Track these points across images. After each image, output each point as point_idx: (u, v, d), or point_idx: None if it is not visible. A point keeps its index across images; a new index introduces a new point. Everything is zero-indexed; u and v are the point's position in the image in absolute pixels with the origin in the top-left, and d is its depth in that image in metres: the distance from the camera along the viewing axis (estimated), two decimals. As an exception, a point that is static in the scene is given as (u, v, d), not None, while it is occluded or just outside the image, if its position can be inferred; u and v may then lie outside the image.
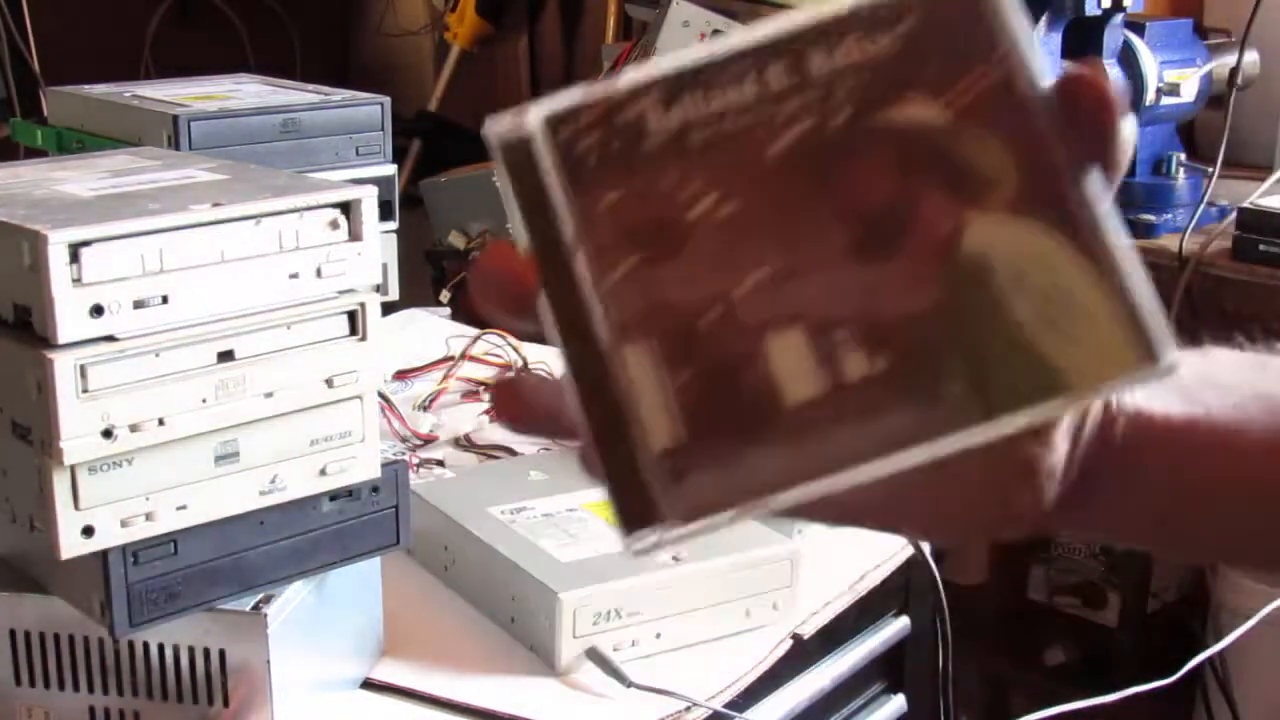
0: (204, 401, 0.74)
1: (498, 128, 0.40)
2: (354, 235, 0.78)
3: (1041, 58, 0.39)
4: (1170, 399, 0.45)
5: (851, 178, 0.38)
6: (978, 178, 0.38)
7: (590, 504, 1.05)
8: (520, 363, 1.44)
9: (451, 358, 1.43)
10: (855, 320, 0.38)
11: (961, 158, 0.38)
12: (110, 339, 0.71)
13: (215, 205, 0.74)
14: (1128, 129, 0.40)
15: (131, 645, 0.81)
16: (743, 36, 0.39)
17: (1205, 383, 0.46)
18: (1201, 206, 1.74)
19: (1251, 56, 1.81)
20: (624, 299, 0.38)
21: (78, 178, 0.81)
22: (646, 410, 0.38)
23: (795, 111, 0.38)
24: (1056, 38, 1.68)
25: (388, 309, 0.88)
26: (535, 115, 0.39)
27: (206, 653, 0.81)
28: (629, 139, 0.39)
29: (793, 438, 0.38)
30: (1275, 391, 0.46)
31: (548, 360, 1.43)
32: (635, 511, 0.38)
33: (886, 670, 1.15)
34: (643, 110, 0.39)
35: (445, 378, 1.41)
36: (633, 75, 0.39)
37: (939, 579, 1.14)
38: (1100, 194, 0.39)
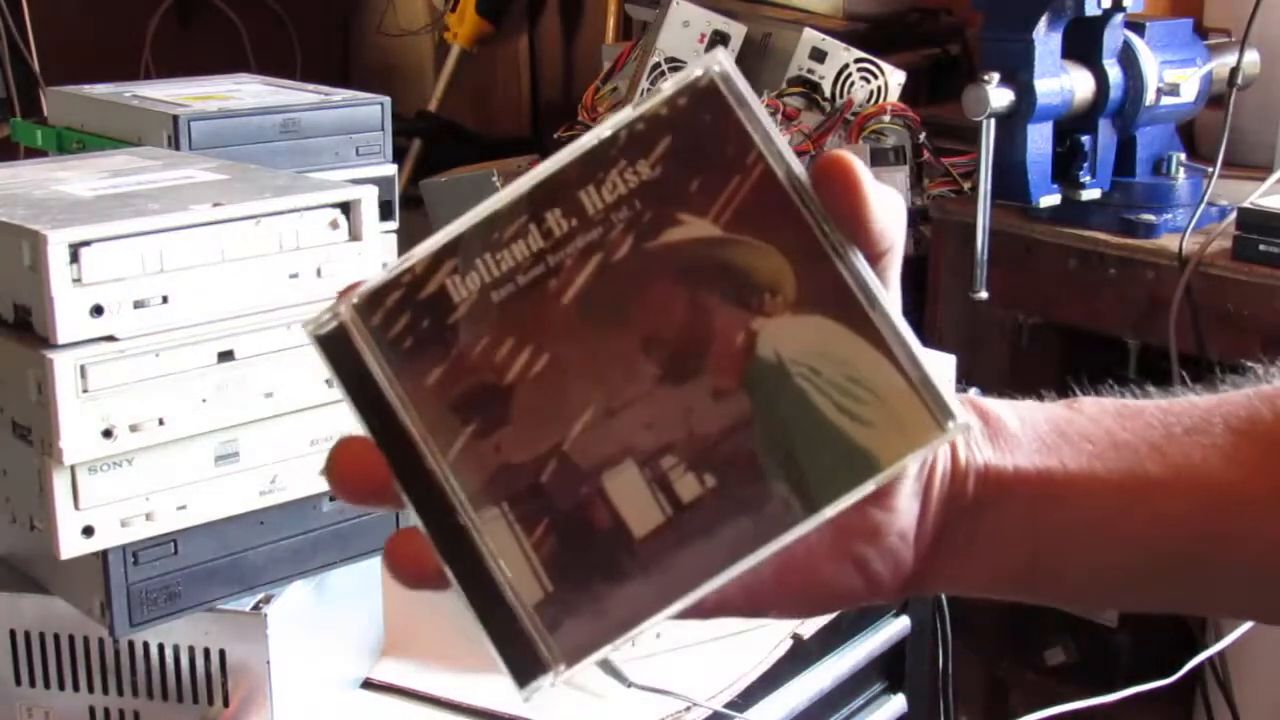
0: (204, 401, 0.74)
1: (312, 326, 0.41)
2: (354, 235, 0.78)
3: (790, 151, 0.41)
4: (1023, 452, 0.47)
5: (644, 308, 0.40)
6: (758, 285, 0.40)
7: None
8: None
9: (451, 358, 1.43)
10: (678, 444, 0.41)
11: (740, 268, 0.40)
12: (110, 339, 0.71)
13: (215, 205, 0.74)
14: (881, 204, 0.41)
15: (131, 645, 0.81)
16: (514, 187, 0.41)
17: (1063, 435, 0.48)
18: (1201, 206, 1.74)
19: (1251, 56, 1.81)
20: (467, 471, 0.41)
21: (78, 178, 0.81)
22: (512, 570, 0.40)
23: (580, 253, 0.40)
24: (1057, 38, 1.68)
25: (388, 309, 0.88)
26: (345, 307, 0.41)
27: (206, 653, 0.81)
28: (436, 314, 0.41)
29: (648, 567, 0.41)
30: (1132, 440, 0.48)
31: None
32: (523, 664, 0.41)
33: (886, 670, 1.15)
34: (442, 282, 0.40)
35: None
36: (425, 246, 0.41)
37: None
38: (866, 272, 0.41)
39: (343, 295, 0.41)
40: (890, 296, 0.41)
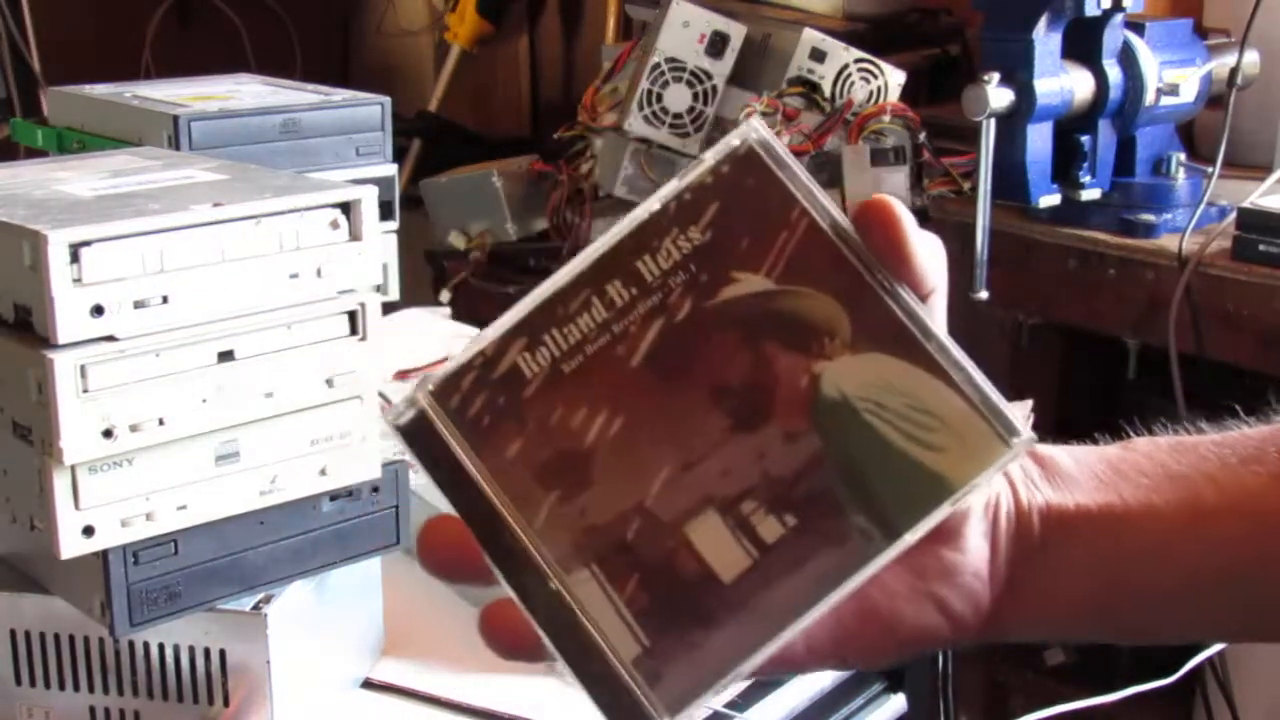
0: (204, 401, 0.74)
1: (391, 417, 0.43)
2: (354, 235, 0.78)
3: (831, 202, 0.43)
4: (1083, 489, 0.49)
5: (709, 363, 0.43)
6: (816, 329, 0.43)
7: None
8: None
9: (451, 358, 1.43)
10: (756, 488, 0.42)
11: (796, 316, 0.43)
12: (110, 339, 0.71)
13: (215, 205, 0.74)
14: (923, 244, 0.44)
15: (131, 645, 0.81)
16: (573, 265, 0.43)
17: (1119, 471, 0.49)
18: (1201, 206, 1.74)
19: (1251, 56, 1.81)
20: (555, 537, 0.42)
21: (78, 178, 0.81)
22: (608, 628, 0.42)
23: (642, 318, 0.43)
24: (1056, 38, 1.68)
25: (388, 309, 0.88)
26: (421, 394, 0.43)
27: (206, 653, 0.81)
28: (510, 390, 0.43)
29: (740, 610, 0.42)
30: (1187, 472, 0.49)
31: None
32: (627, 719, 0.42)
33: (886, 670, 1.15)
34: (514, 360, 0.43)
35: (445, 378, 1.40)
36: (493, 329, 0.43)
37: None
38: (916, 306, 0.43)
39: (418, 385, 0.43)
40: (941, 327, 0.43)
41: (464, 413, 0.43)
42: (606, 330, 0.43)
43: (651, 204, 0.43)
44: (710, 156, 0.43)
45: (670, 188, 0.43)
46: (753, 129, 0.44)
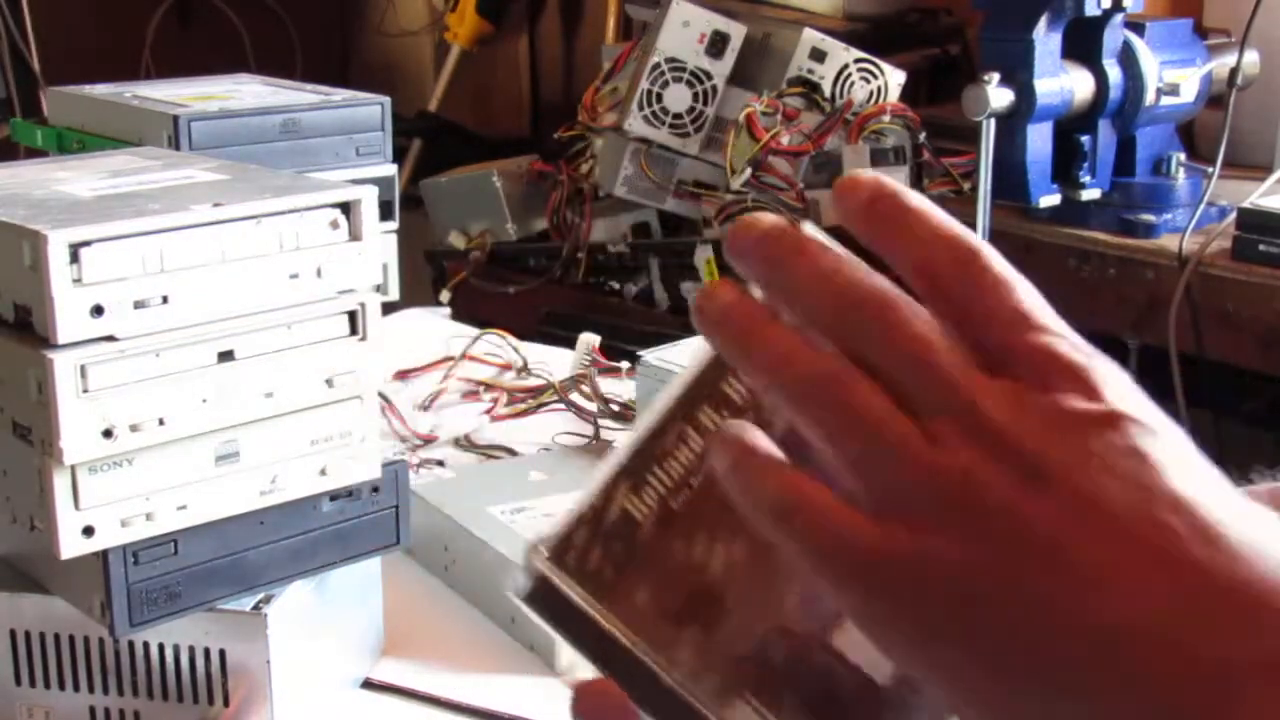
0: (204, 401, 0.74)
1: (514, 591, 0.42)
2: (354, 235, 0.78)
3: None
4: None
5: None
6: None
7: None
8: (520, 363, 1.44)
9: (451, 358, 1.43)
10: None
11: None
12: (110, 339, 0.71)
13: (215, 205, 0.74)
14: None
15: (131, 645, 0.81)
16: (660, 402, 0.43)
17: None
18: (1201, 206, 1.74)
19: (1251, 56, 1.81)
20: (702, 675, 0.41)
21: (78, 178, 0.81)
22: None
23: None
24: (1056, 38, 1.68)
25: (388, 309, 0.88)
26: (538, 560, 0.42)
27: (206, 653, 0.81)
28: (625, 537, 0.42)
29: (901, 709, 0.41)
30: None
31: (547, 361, 1.43)
32: None
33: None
34: (622, 507, 0.42)
35: (445, 378, 1.41)
36: (595, 481, 0.42)
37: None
38: None
39: (531, 551, 0.42)
40: None
41: (584, 568, 0.42)
42: (705, 458, 0.42)
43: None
44: None
45: None
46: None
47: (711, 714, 0.41)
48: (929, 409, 0.37)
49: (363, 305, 0.79)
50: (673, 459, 0.42)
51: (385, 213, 1.00)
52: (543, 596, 0.42)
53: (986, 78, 1.64)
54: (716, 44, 2.30)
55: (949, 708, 0.39)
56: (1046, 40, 1.67)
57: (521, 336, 1.47)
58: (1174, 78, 1.76)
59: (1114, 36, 1.73)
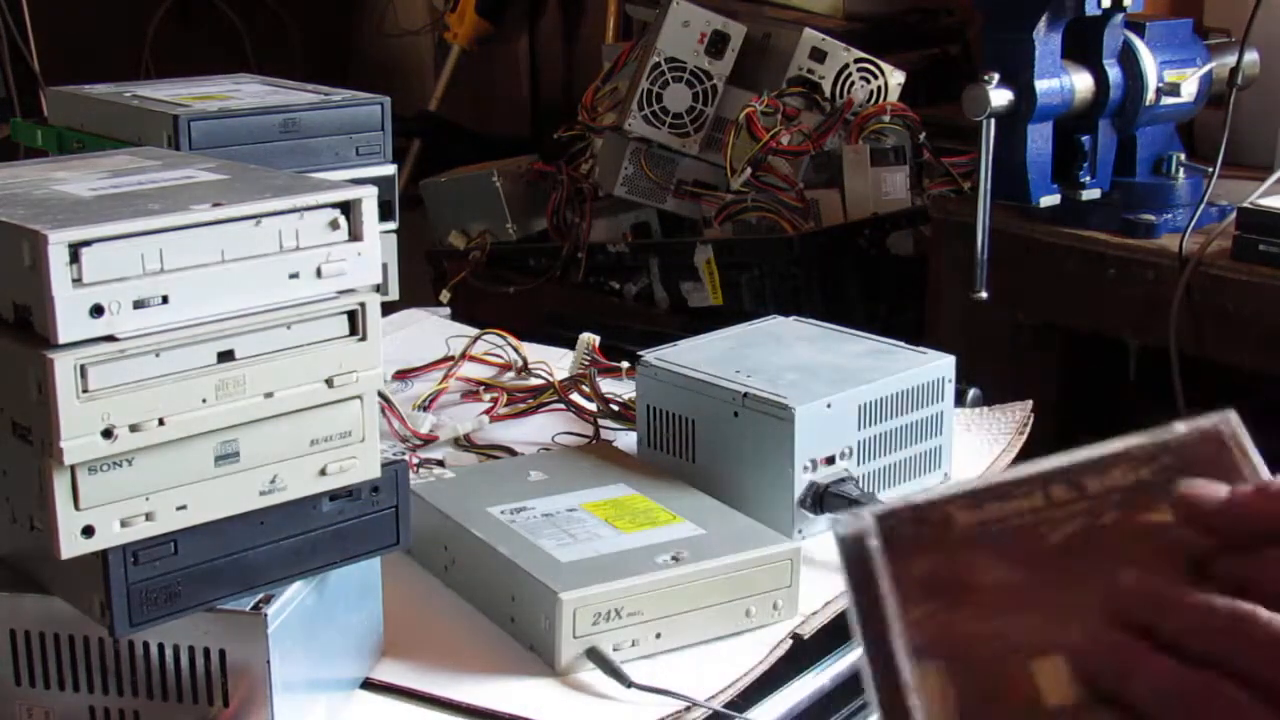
0: (204, 401, 0.74)
1: (840, 529, 0.49)
2: (354, 235, 0.78)
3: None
4: None
5: (1111, 562, 0.48)
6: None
7: (590, 504, 1.05)
8: (520, 363, 1.44)
9: (451, 358, 1.43)
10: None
11: (1191, 553, 0.49)
12: (110, 339, 0.71)
13: (215, 205, 0.74)
14: None
15: (131, 645, 0.81)
16: (1032, 467, 0.50)
17: None
18: (1201, 206, 1.74)
19: (1251, 56, 1.81)
20: (921, 631, 0.48)
21: (78, 178, 0.81)
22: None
23: (1072, 514, 0.50)
24: (1056, 38, 1.68)
25: (388, 309, 0.88)
26: (869, 514, 0.49)
27: (206, 653, 0.81)
28: (937, 528, 0.49)
29: None
30: None
31: (546, 361, 1.43)
32: None
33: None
34: (950, 511, 0.50)
35: (445, 378, 1.41)
36: (948, 487, 0.50)
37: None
38: None
39: (868, 511, 0.49)
40: None
41: (894, 531, 0.48)
42: (1037, 514, 0.49)
43: (1115, 446, 0.50)
44: (1181, 426, 0.51)
45: (1139, 439, 0.51)
46: (1226, 421, 0.51)
47: (903, 662, 0.47)
48: None
49: (363, 305, 0.79)
50: (1013, 502, 0.49)
51: (385, 213, 1.00)
52: (854, 544, 0.48)
53: (986, 78, 1.63)
54: (716, 44, 2.30)
55: None
56: (1046, 40, 1.67)
57: (521, 336, 1.47)
58: (1174, 78, 1.76)
59: (1114, 36, 1.73)
